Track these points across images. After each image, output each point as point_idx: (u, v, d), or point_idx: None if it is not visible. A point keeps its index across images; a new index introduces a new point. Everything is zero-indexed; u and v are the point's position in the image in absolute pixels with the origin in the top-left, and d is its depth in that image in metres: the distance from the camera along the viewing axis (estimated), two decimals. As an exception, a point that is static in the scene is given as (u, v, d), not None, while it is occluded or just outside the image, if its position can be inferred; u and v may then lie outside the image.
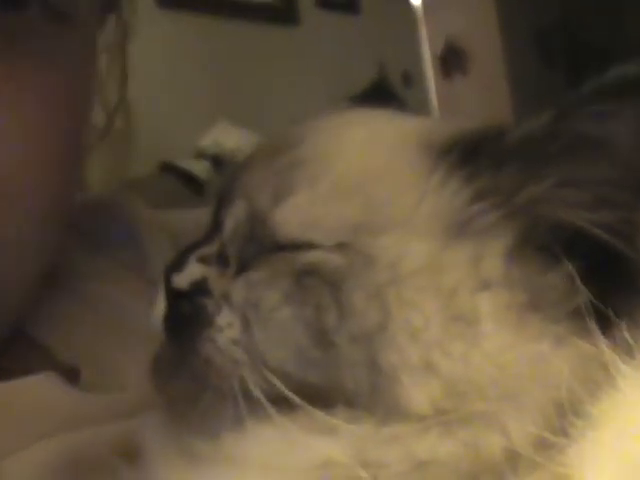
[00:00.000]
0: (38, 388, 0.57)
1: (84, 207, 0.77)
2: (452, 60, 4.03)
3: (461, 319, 0.40)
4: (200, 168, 2.86)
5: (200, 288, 0.45)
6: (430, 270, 0.41)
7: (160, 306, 0.46)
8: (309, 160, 0.46)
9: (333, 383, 0.41)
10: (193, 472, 0.43)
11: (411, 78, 3.92)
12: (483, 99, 3.75)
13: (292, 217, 0.44)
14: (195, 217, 0.76)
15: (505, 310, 0.40)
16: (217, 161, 2.90)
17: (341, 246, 0.43)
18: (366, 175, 0.45)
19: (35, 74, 0.57)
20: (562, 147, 0.41)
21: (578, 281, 0.40)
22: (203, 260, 0.46)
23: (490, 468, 0.39)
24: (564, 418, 0.38)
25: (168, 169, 2.84)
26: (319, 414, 0.40)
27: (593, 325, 0.39)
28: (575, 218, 0.40)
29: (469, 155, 0.43)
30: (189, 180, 2.80)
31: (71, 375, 0.62)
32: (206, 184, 2.80)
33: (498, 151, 0.43)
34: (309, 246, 0.43)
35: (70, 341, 0.65)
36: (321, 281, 0.42)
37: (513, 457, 0.38)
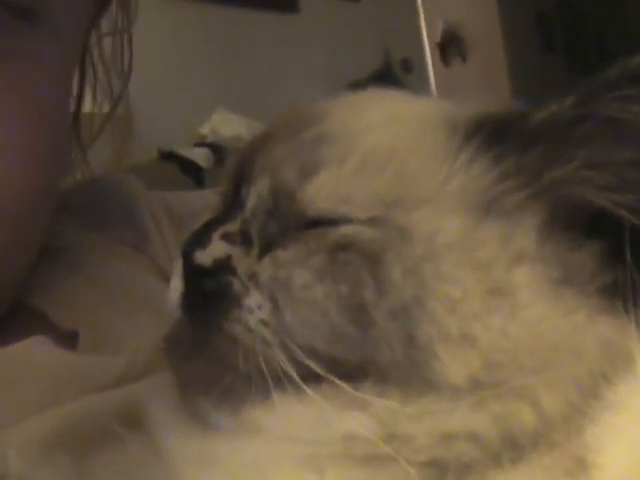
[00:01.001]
0: (26, 351, 0.58)
1: (84, 187, 0.79)
2: (451, 47, 4.02)
3: (498, 292, 0.41)
4: (200, 156, 2.85)
5: (224, 266, 0.44)
6: (464, 245, 0.42)
7: (177, 283, 0.46)
8: (335, 136, 0.46)
9: (366, 358, 0.41)
10: (211, 442, 0.43)
11: (411, 65, 3.90)
12: (482, 85, 3.73)
13: (323, 192, 0.44)
14: (195, 198, 0.77)
15: (541, 283, 0.41)
16: (216, 149, 2.89)
17: (375, 220, 0.43)
18: (394, 152, 0.45)
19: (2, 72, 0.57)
20: (587, 130, 0.41)
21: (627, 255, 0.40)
22: (226, 238, 0.45)
23: (513, 444, 0.39)
24: (585, 398, 0.39)
25: (168, 157, 2.83)
26: (350, 390, 0.40)
27: (619, 305, 0.40)
28: (600, 199, 0.41)
29: (495, 137, 0.44)
30: (189, 168, 2.79)
31: (70, 339, 0.62)
32: (206, 171, 2.79)
33: (524, 133, 0.43)
34: (342, 220, 0.43)
35: (69, 308, 0.66)
36: (357, 255, 0.42)
37: (536, 434, 0.39)
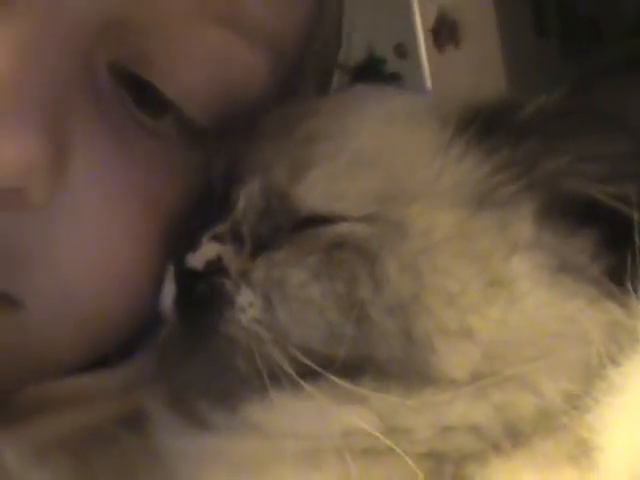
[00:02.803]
0: None
1: None
2: (445, 32, 4.00)
3: (497, 282, 0.41)
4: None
5: (215, 267, 0.44)
6: (461, 237, 0.42)
7: (170, 287, 0.45)
8: (325, 134, 0.46)
9: (364, 356, 0.41)
10: (209, 441, 0.43)
11: (405, 51, 3.88)
12: (477, 70, 3.72)
13: (315, 190, 0.43)
14: None
15: (539, 270, 0.41)
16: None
17: (370, 217, 0.42)
18: (385, 147, 0.45)
19: (141, 177, 0.49)
20: (579, 122, 0.42)
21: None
22: (217, 239, 0.45)
23: (514, 432, 0.39)
24: (588, 380, 0.39)
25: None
26: (348, 386, 0.40)
27: (624, 287, 0.40)
28: (593, 191, 0.41)
29: (486, 131, 0.44)
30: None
31: None
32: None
33: (515, 126, 0.43)
34: (337, 218, 0.43)
35: None
36: (353, 253, 0.42)
37: (537, 421, 0.39)
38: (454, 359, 0.40)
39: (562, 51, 4.00)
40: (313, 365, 0.40)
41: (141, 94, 0.48)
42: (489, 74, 3.81)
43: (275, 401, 0.41)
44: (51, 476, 0.45)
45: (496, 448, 0.39)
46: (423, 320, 0.40)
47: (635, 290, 0.40)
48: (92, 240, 0.47)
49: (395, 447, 0.38)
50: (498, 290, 0.41)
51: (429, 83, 3.73)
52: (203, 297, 0.44)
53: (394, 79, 3.70)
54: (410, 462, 0.38)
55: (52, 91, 0.42)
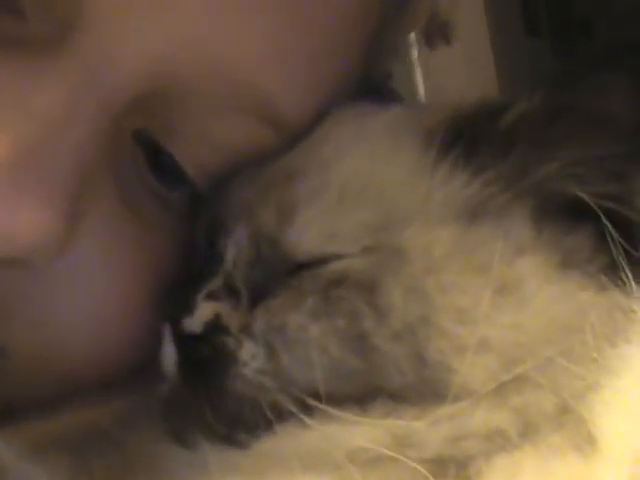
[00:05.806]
0: None
1: None
2: (436, 30, 4.01)
3: (505, 288, 0.41)
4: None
5: (215, 326, 0.44)
6: (461, 251, 0.42)
7: (170, 349, 0.45)
8: (305, 169, 0.45)
9: (373, 387, 0.41)
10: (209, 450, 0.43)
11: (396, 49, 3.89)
12: (468, 68, 3.73)
13: (308, 233, 0.43)
14: None
15: (544, 269, 0.41)
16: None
17: (367, 249, 0.42)
18: (369, 177, 0.45)
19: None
20: (562, 127, 0.42)
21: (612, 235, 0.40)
22: (211, 296, 0.44)
23: (530, 431, 0.39)
24: (596, 368, 0.39)
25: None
26: (355, 418, 0.40)
27: (626, 276, 0.40)
28: (584, 193, 0.41)
29: (470, 149, 0.44)
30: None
31: None
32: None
33: (499, 138, 0.43)
34: (333, 257, 0.42)
35: None
36: (351, 288, 0.42)
37: (556, 416, 0.39)
38: (473, 374, 0.39)
39: (554, 50, 4.02)
40: (320, 405, 0.40)
41: (157, 164, 0.48)
42: (481, 71, 3.82)
43: (280, 433, 0.41)
44: (47, 473, 0.45)
45: (505, 445, 0.39)
46: (436, 341, 0.40)
47: (632, 277, 0.40)
48: (84, 302, 0.47)
49: (402, 458, 0.38)
50: (507, 295, 0.41)
51: (420, 80, 3.74)
52: (206, 359, 0.43)
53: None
54: (420, 469, 0.38)
55: (77, 166, 0.42)
